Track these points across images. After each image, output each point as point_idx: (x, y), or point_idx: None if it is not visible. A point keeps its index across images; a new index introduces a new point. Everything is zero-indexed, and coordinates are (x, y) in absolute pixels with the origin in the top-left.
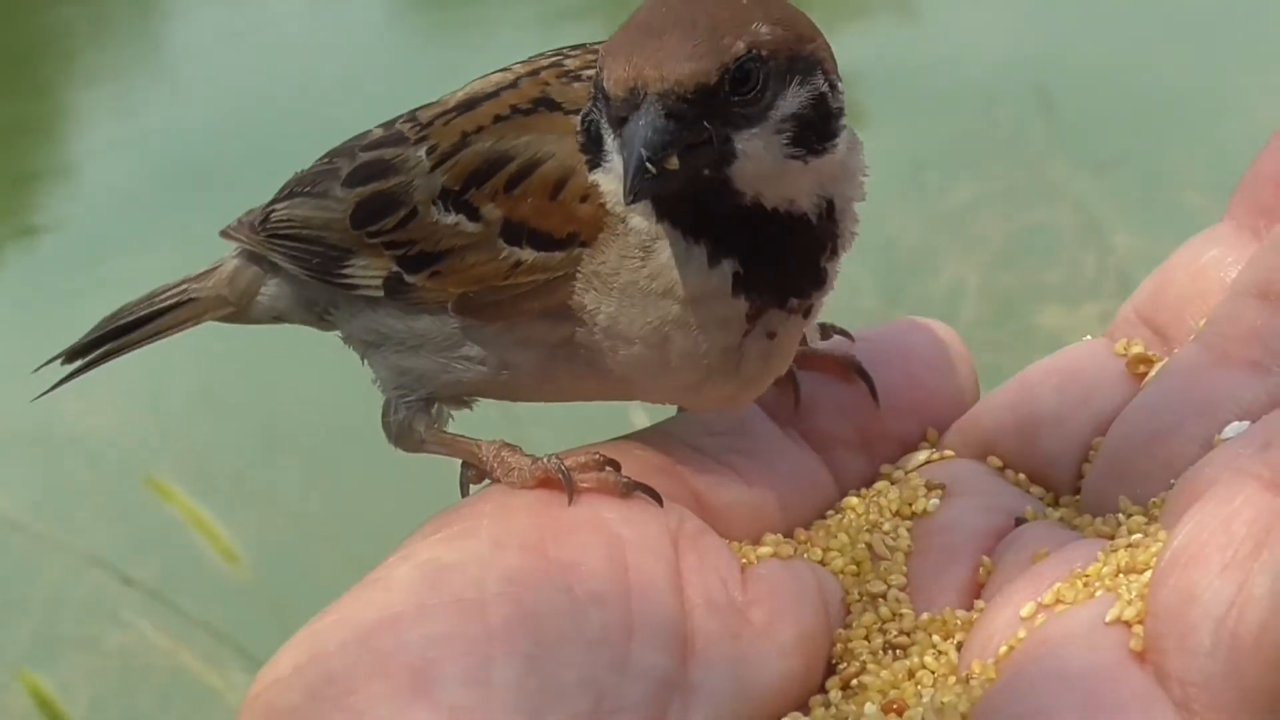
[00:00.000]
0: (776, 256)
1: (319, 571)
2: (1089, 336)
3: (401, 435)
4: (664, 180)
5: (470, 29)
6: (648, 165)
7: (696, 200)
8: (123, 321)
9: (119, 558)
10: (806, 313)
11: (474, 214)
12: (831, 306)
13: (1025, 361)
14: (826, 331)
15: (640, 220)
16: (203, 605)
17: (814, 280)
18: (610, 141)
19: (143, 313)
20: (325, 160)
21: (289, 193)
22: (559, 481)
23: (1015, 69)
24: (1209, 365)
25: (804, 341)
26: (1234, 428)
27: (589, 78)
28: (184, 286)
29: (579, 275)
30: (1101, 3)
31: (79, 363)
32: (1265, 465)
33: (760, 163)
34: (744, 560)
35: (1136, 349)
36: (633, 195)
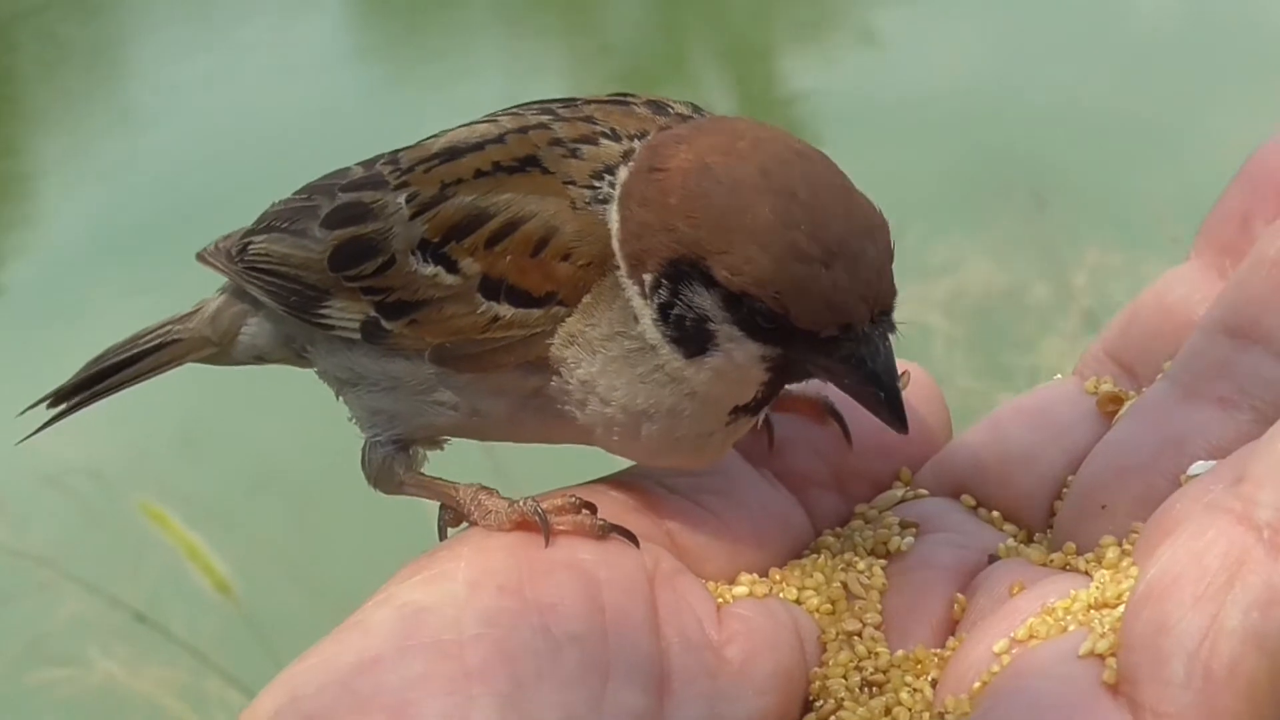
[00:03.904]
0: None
1: (304, 602)
2: (1059, 375)
3: (380, 478)
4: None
5: (435, 65)
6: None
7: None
8: (107, 364)
9: (107, 587)
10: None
11: (453, 267)
12: None
13: (995, 398)
14: None
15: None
16: (192, 636)
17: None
18: (743, 348)
19: (126, 354)
20: (304, 196)
21: (267, 225)
22: (535, 524)
23: (977, 97)
24: (1178, 402)
25: None
26: (1199, 465)
27: (588, 155)
28: (167, 327)
29: (560, 331)
30: (1062, 31)
31: (64, 405)
32: (1238, 499)
33: None
34: (720, 599)
35: (1106, 387)
36: (895, 417)
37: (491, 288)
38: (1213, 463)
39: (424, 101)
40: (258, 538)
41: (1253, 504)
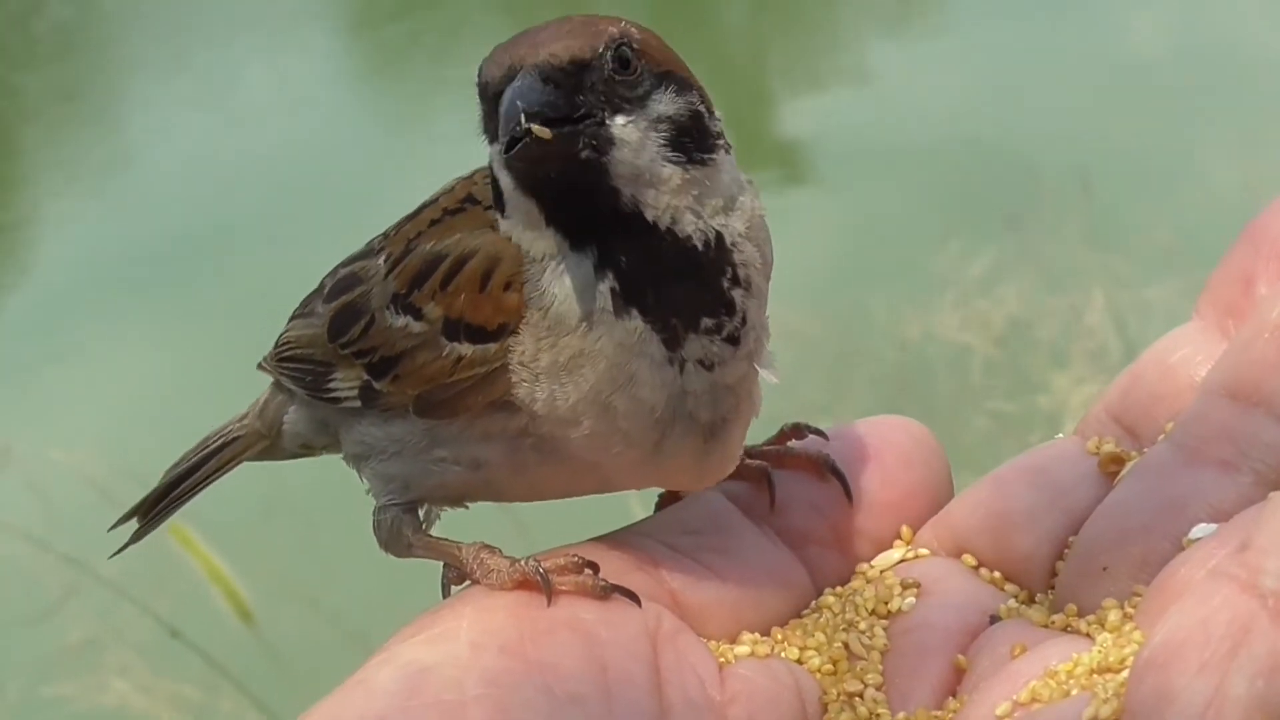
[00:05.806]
0: (663, 273)
1: (322, 628)
2: (1060, 435)
3: (390, 541)
4: (541, 148)
5: (425, 94)
6: (522, 121)
7: (577, 198)
8: (180, 470)
9: (134, 597)
10: (734, 341)
11: (418, 314)
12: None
13: (1023, 434)
14: (801, 431)
15: (554, 298)
16: (212, 654)
17: (722, 304)
18: (496, 153)
19: (196, 458)
20: (318, 284)
21: (291, 317)
22: (537, 583)
23: (971, 133)
24: (1180, 464)
25: (777, 440)
26: (1201, 529)
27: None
28: (228, 428)
29: (510, 369)
30: (1057, 65)
31: (149, 516)
32: (1242, 567)
33: (637, 153)
34: (721, 659)
35: (1108, 447)
36: (506, 143)
37: (452, 328)
38: (1214, 526)
39: (412, 132)
40: (278, 562)
41: (1258, 572)
